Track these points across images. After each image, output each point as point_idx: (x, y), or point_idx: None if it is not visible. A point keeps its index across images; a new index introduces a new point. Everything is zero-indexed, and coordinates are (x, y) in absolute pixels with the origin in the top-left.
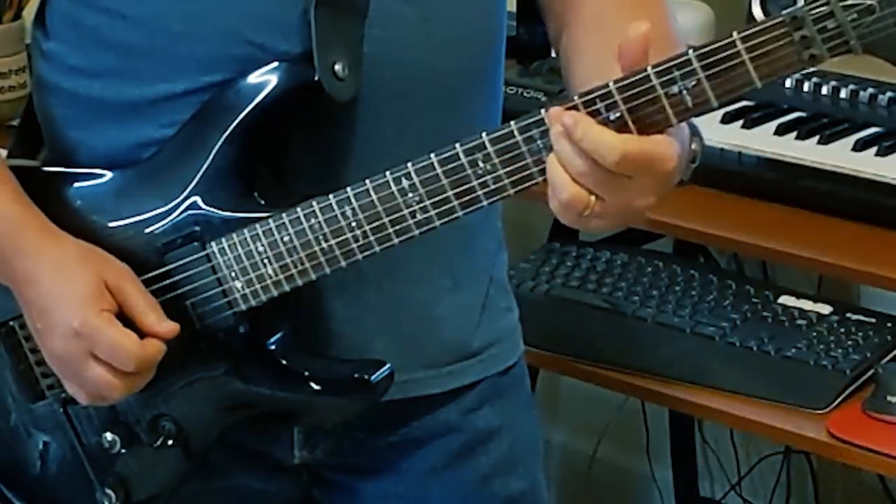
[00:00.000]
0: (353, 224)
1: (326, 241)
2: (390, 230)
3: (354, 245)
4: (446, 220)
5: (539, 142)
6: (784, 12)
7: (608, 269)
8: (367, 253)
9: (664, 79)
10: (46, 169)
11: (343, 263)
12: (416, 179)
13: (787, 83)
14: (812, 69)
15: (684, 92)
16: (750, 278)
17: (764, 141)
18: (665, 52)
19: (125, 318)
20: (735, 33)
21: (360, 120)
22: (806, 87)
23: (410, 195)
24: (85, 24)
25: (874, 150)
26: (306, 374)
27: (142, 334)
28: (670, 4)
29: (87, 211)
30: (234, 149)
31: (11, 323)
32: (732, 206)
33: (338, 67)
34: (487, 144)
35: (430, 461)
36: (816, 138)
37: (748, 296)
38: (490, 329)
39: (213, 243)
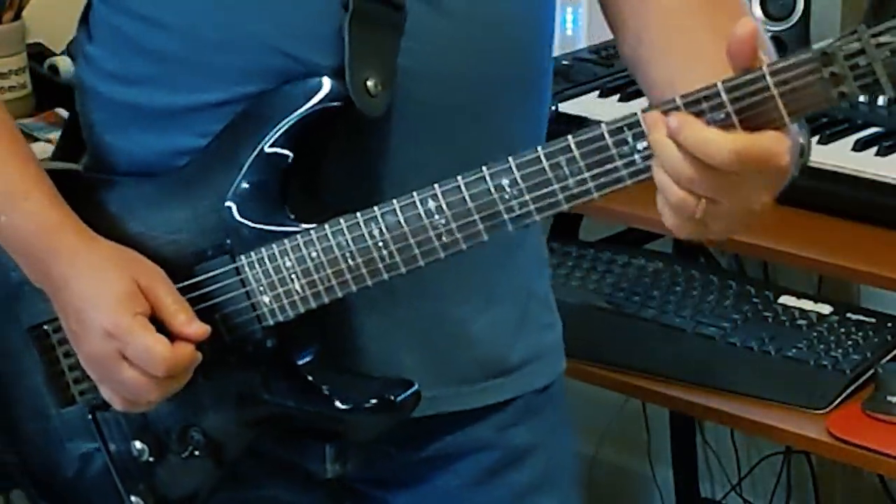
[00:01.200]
0: (380, 244)
1: (353, 259)
2: (416, 252)
3: (381, 265)
4: (472, 243)
5: (566, 168)
6: (814, 48)
7: (609, 269)
8: (392, 273)
9: (693, 110)
10: (84, 173)
11: (369, 282)
12: (442, 202)
13: (763, 68)
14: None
15: (712, 124)
16: (750, 278)
17: None
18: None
19: (158, 321)
20: (765, 67)
21: (393, 135)
22: None
23: (437, 217)
24: (122, 30)
25: (874, 150)
26: (332, 391)
27: (173, 337)
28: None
29: (121, 217)
30: (266, 162)
31: (45, 327)
32: None
33: (370, 84)
34: (514, 169)
35: (463, 477)
36: (816, 138)
37: (749, 296)
38: (528, 345)
39: (242, 256)
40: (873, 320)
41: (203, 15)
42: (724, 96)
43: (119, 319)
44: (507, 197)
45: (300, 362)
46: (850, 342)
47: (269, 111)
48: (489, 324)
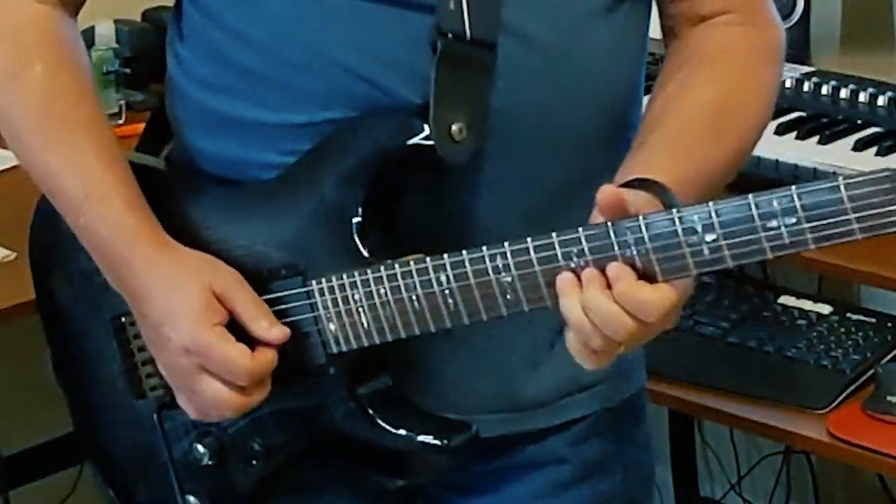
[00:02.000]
0: (446, 292)
1: (419, 302)
2: (480, 305)
3: (444, 312)
4: (535, 307)
5: (633, 248)
6: (892, 169)
7: None
8: (456, 322)
9: (763, 211)
10: (169, 172)
11: (432, 328)
12: (510, 261)
13: (787, 83)
14: (812, 69)
15: (783, 228)
16: (750, 278)
17: (764, 141)
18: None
19: (236, 326)
20: (840, 180)
21: (476, 177)
22: (806, 87)
23: (503, 275)
24: (212, 38)
25: (874, 150)
26: (388, 425)
27: (252, 343)
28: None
29: (201, 222)
30: (344, 191)
31: (122, 319)
32: None
33: (455, 128)
34: (583, 240)
35: (534, 488)
36: (816, 138)
37: (748, 296)
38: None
39: (314, 281)
40: (873, 320)
41: (288, 35)
42: (797, 203)
43: (197, 335)
44: (572, 265)
45: (361, 392)
46: (850, 342)
47: (351, 141)
48: (562, 345)
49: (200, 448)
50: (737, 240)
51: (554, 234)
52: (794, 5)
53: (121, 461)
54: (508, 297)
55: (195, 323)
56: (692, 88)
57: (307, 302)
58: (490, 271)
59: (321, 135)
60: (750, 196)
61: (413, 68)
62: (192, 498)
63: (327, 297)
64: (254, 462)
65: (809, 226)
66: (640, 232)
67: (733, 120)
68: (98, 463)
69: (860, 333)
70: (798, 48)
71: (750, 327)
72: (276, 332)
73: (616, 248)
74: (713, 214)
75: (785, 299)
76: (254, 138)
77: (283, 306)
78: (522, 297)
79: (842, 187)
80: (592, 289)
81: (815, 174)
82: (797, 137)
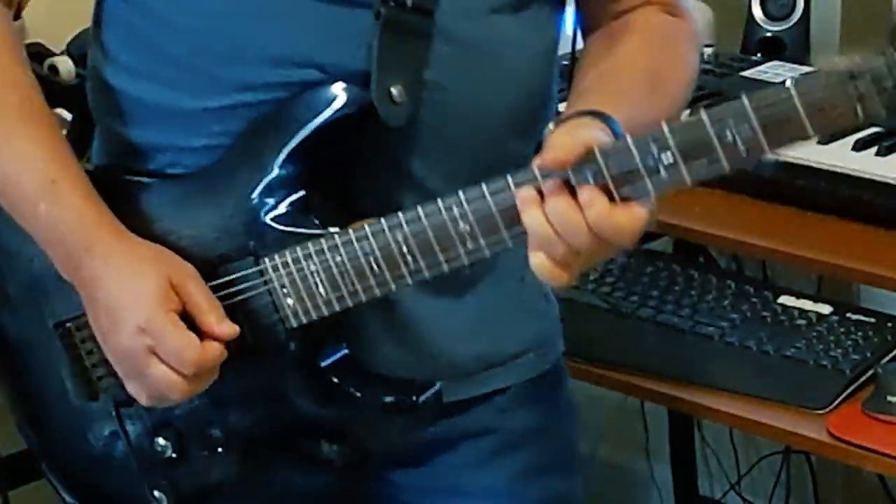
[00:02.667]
0: (405, 250)
1: (378, 265)
2: (441, 258)
3: (405, 270)
4: (497, 250)
5: (591, 181)
6: (841, 67)
7: (608, 268)
8: (417, 278)
9: (718, 125)
10: (109, 171)
11: (393, 287)
12: (467, 209)
13: (788, 83)
14: (812, 69)
15: (737, 139)
16: (750, 278)
17: None
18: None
19: (187, 318)
20: (790, 82)
21: (414, 142)
22: None
23: (461, 224)
24: (137, 27)
25: (874, 150)
26: (355, 392)
27: (201, 335)
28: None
29: (149, 217)
30: (288, 167)
31: (68, 324)
32: (732, 206)
33: (395, 91)
34: (539, 178)
35: (465, 458)
36: (816, 138)
37: (748, 296)
38: (525, 333)
39: (266, 259)
40: (873, 320)
41: (216, 26)
42: (750, 112)
43: (152, 316)
44: None
45: (323, 364)
46: (849, 342)
47: (291, 116)
48: (482, 314)
49: (161, 441)
50: (693, 157)
51: (508, 177)
52: (794, 5)
53: (82, 469)
54: (469, 245)
55: (151, 305)
56: (626, 54)
57: (261, 280)
58: (448, 222)
59: (234, 117)
60: (702, 111)
61: (349, 47)
62: (157, 493)
63: (282, 272)
64: (219, 449)
65: (764, 134)
66: (598, 163)
67: (664, 82)
68: (58, 476)
69: (860, 333)
70: (798, 48)
71: (750, 327)
72: (225, 327)
73: (573, 181)
74: (668, 134)
75: (785, 299)
76: (175, 124)
77: (236, 287)
78: (483, 242)
79: (792, 89)
80: (555, 198)
81: (815, 174)
82: None
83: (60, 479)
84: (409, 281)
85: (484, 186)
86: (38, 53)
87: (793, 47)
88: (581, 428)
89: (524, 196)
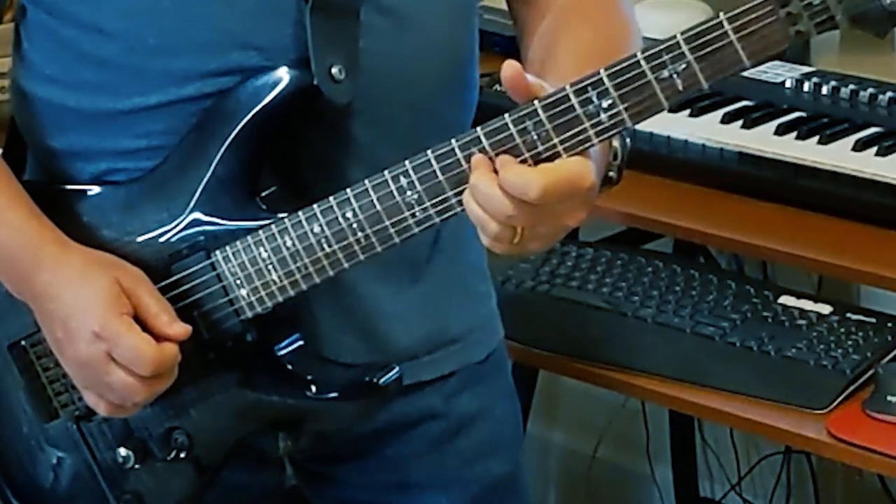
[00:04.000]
0: (355, 226)
1: (329, 244)
2: (391, 230)
3: (357, 247)
4: (446, 216)
5: (533, 133)
6: None
7: (608, 269)
8: (368, 254)
9: (654, 63)
10: (51, 185)
11: (346, 265)
12: (413, 177)
13: (788, 83)
14: (812, 69)
15: (674, 76)
16: (750, 278)
17: (764, 141)
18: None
19: (139, 322)
20: (721, 14)
21: (357, 123)
22: (806, 87)
23: (409, 193)
24: (62, 36)
25: (874, 150)
26: (314, 379)
27: (156, 338)
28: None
29: (95, 225)
30: (234, 157)
31: (23, 343)
32: (732, 206)
33: (335, 70)
34: (482, 138)
35: (413, 447)
36: (816, 138)
37: (748, 296)
38: (467, 316)
39: (217, 252)
40: (873, 320)
41: (144, 20)
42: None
43: (106, 321)
44: None
45: (280, 353)
46: (850, 342)
47: (234, 106)
48: (429, 296)
49: (123, 451)
50: (632, 98)
51: (453, 140)
52: None
53: (44, 491)
54: (417, 214)
55: (104, 310)
56: (572, 31)
57: (213, 274)
58: (395, 193)
59: (175, 115)
60: (637, 53)
61: (280, 24)
62: None
63: (233, 262)
64: (181, 455)
65: (700, 65)
66: (538, 116)
67: (613, 54)
68: (20, 501)
69: (860, 333)
70: (798, 48)
71: (750, 327)
72: (178, 328)
73: (517, 137)
74: (605, 79)
75: (785, 299)
76: (108, 128)
77: (189, 284)
78: (431, 210)
79: (724, 21)
80: (476, 173)
81: (815, 174)
82: (797, 137)
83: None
84: (361, 257)
85: (430, 152)
86: None
87: (793, 47)
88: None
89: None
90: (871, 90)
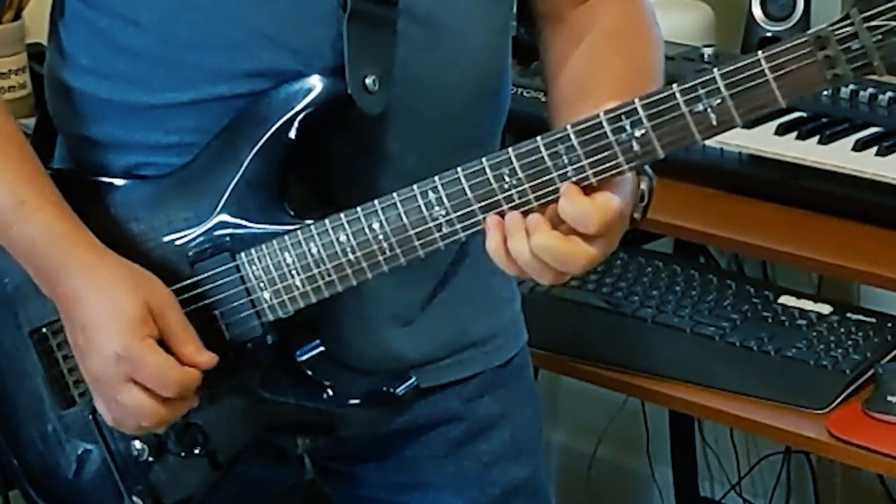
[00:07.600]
0: (380, 237)
1: (353, 253)
2: (416, 243)
3: (381, 257)
4: (471, 232)
5: (565, 157)
6: (809, 32)
7: (608, 269)
8: (392, 265)
9: (689, 96)
10: (81, 175)
11: (369, 275)
12: (442, 193)
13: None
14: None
15: (708, 110)
16: (750, 278)
17: (764, 141)
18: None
19: (163, 345)
20: (760, 53)
21: (390, 133)
22: None
23: (437, 209)
24: (98, 26)
25: (874, 150)
26: (332, 385)
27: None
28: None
29: (122, 219)
30: (264, 161)
31: (44, 330)
32: (732, 206)
33: (368, 81)
34: (514, 160)
35: (432, 448)
36: (816, 138)
37: (748, 296)
38: (491, 320)
39: (242, 254)
40: (873, 320)
41: (177, 13)
42: (720, 82)
43: (130, 343)
44: (506, 186)
45: (300, 358)
46: (850, 342)
47: (266, 110)
48: (447, 303)
49: (138, 444)
50: (665, 129)
51: (483, 159)
52: (794, 5)
53: (58, 478)
54: (444, 229)
55: (128, 332)
56: (606, 65)
57: (237, 276)
58: (423, 207)
59: (206, 113)
60: (674, 85)
61: (316, 27)
62: (135, 499)
63: (258, 265)
64: (195, 451)
65: (734, 101)
66: (570, 140)
67: (642, 80)
68: (33, 486)
69: (860, 333)
70: None
71: (750, 327)
72: (206, 357)
73: (547, 160)
74: (639, 109)
75: (785, 299)
76: (138, 120)
77: (211, 284)
78: (458, 225)
79: (762, 60)
80: (515, 238)
81: (815, 174)
82: (797, 137)
83: (37, 491)
84: (385, 268)
85: (459, 170)
86: (38, 53)
87: None
88: (577, 437)
89: (489, 223)
90: (871, 90)
